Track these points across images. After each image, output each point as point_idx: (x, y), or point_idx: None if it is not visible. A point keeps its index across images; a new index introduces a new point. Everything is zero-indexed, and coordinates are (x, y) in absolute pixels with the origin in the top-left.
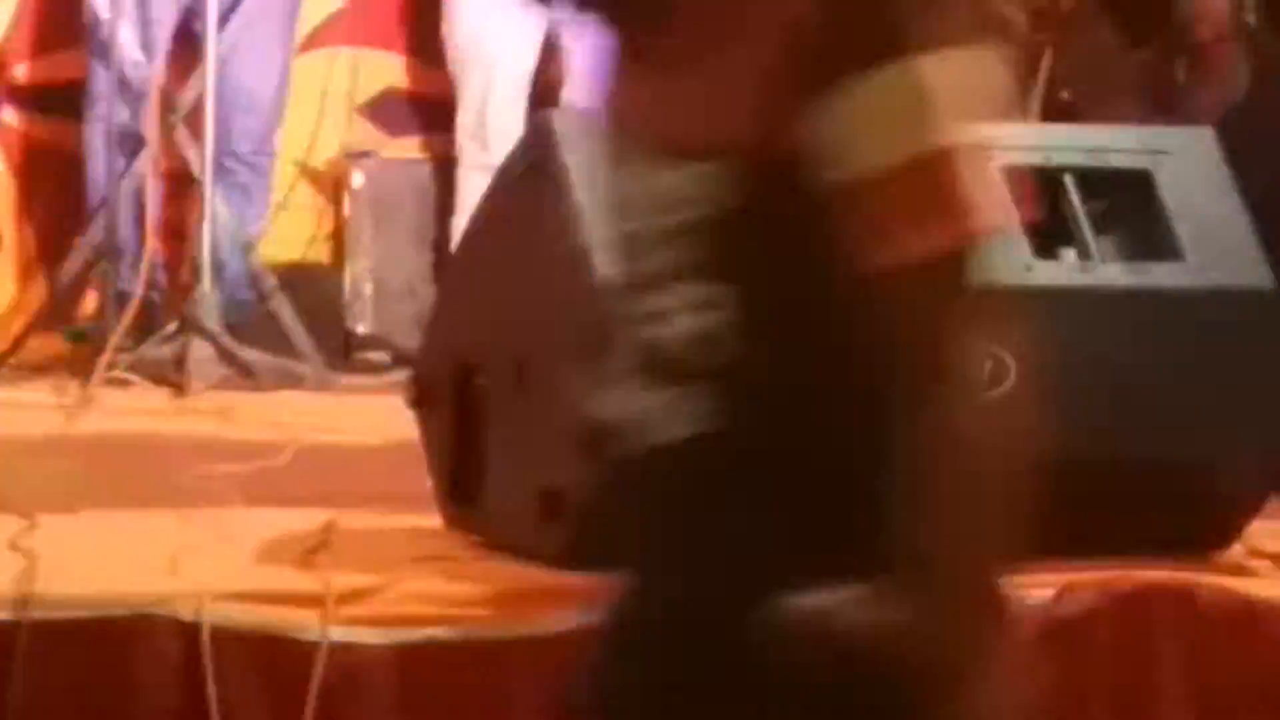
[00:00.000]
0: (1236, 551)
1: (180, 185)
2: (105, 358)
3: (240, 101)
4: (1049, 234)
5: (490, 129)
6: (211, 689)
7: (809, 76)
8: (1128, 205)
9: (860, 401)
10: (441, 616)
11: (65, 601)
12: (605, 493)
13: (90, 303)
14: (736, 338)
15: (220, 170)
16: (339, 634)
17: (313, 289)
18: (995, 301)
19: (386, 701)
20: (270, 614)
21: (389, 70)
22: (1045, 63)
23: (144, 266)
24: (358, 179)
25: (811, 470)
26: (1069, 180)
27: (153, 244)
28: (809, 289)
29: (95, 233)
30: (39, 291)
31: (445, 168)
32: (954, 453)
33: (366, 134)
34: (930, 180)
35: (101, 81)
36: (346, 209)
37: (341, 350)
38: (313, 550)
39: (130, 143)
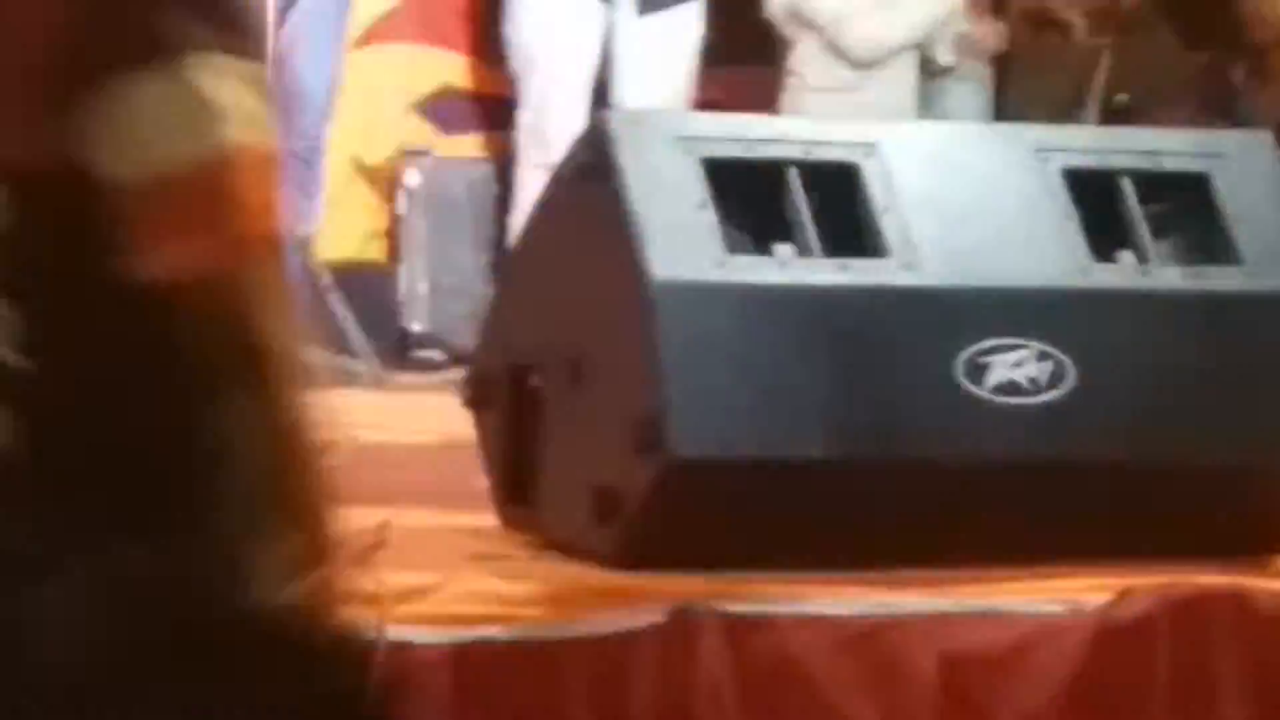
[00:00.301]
0: None
1: None
2: None
3: (295, 98)
4: (1106, 237)
5: (550, 128)
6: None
7: (76, 82)
8: (1185, 208)
9: (163, 402)
10: (496, 616)
11: None
12: (658, 493)
13: None
14: (26, 354)
15: None
16: (394, 633)
17: (368, 287)
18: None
19: (442, 701)
20: None
21: (445, 68)
22: (1103, 65)
23: None
24: (413, 177)
25: (114, 480)
26: (1126, 183)
27: None
28: (95, 300)
29: None
30: None
31: (504, 166)
32: (269, 442)
33: (422, 132)
34: (208, 185)
35: None
36: (401, 207)
37: (396, 348)
38: (368, 549)
39: None
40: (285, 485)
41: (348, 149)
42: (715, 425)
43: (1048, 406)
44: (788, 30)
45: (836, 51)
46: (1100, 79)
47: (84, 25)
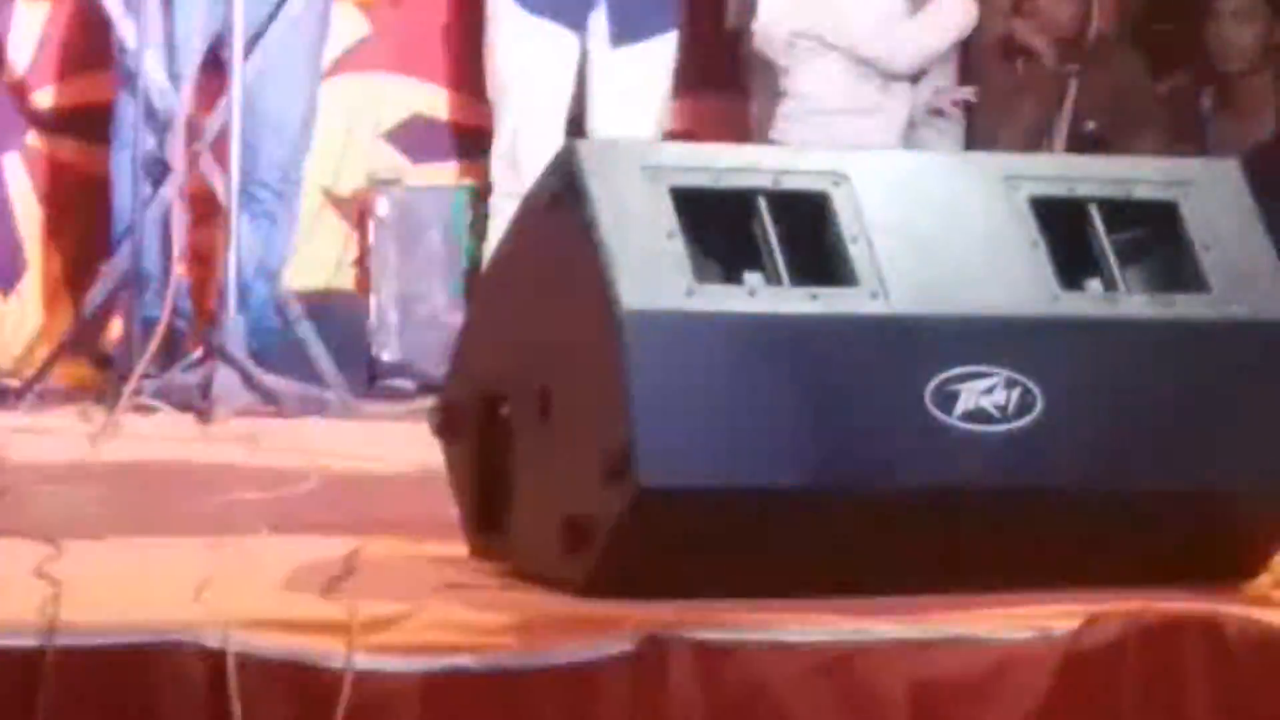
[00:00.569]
0: (1263, 582)
1: (206, 212)
2: (131, 384)
3: (267, 129)
4: (1074, 265)
5: (523, 157)
6: (237, 717)
7: None
8: (1153, 237)
9: None
10: (466, 645)
11: (90, 628)
12: (628, 522)
13: (115, 329)
14: None
15: (246, 198)
16: (364, 662)
17: (338, 316)
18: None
19: None
20: (295, 642)
21: (415, 97)
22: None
23: (169, 293)
24: (383, 206)
25: None
26: (1094, 211)
27: (178, 271)
28: None
29: (121, 259)
30: (65, 318)
31: (476, 195)
32: None
33: (392, 161)
34: None
35: (128, 108)
36: (371, 236)
37: (366, 377)
38: (338, 578)
39: (156, 169)
40: None
41: (318, 178)
42: (684, 454)
43: (1016, 434)
44: (786, 59)
45: (864, 69)
46: (1068, 106)
47: None
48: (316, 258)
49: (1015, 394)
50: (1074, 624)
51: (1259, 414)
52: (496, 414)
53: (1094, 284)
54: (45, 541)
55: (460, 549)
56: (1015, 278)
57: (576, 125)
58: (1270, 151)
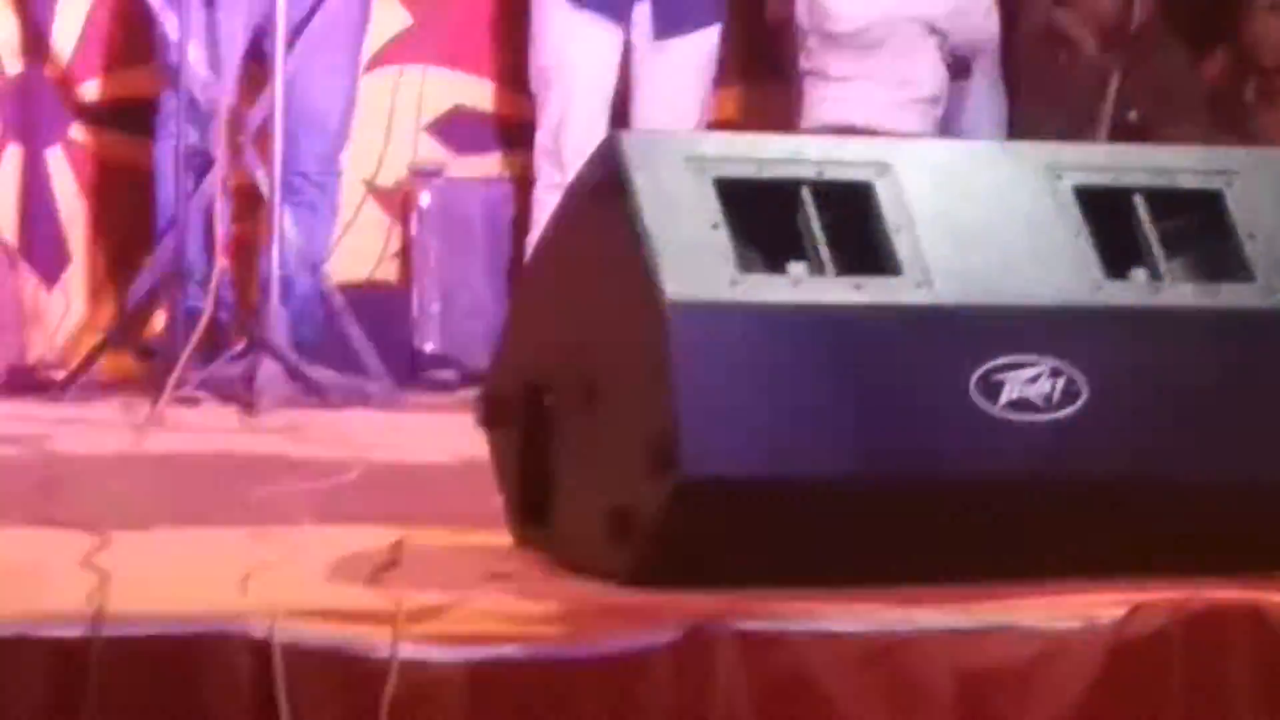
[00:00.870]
0: None
1: (249, 204)
2: (175, 376)
3: (308, 121)
4: (1119, 254)
5: (566, 149)
6: (283, 706)
7: None
8: (1197, 226)
9: None
10: (511, 634)
11: (137, 619)
12: (673, 512)
13: (159, 321)
14: None
15: (288, 189)
16: (409, 651)
17: (381, 308)
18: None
19: (456, 718)
20: (341, 631)
21: (457, 89)
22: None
23: (213, 285)
24: (425, 198)
25: None
26: (1138, 201)
27: (221, 263)
28: None
29: (164, 251)
30: (109, 310)
31: (519, 187)
32: None
33: (434, 153)
34: None
35: (171, 101)
36: (414, 228)
37: (409, 369)
38: (383, 568)
39: (199, 162)
40: None
41: (360, 170)
42: (728, 444)
43: (1061, 423)
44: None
45: (827, 35)
46: (1111, 96)
47: None
48: (359, 249)
49: (1060, 384)
50: (1119, 613)
51: None
52: (541, 404)
53: (1138, 273)
54: (92, 532)
55: (505, 539)
56: (1059, 267)
57: (620, 117)
58: None
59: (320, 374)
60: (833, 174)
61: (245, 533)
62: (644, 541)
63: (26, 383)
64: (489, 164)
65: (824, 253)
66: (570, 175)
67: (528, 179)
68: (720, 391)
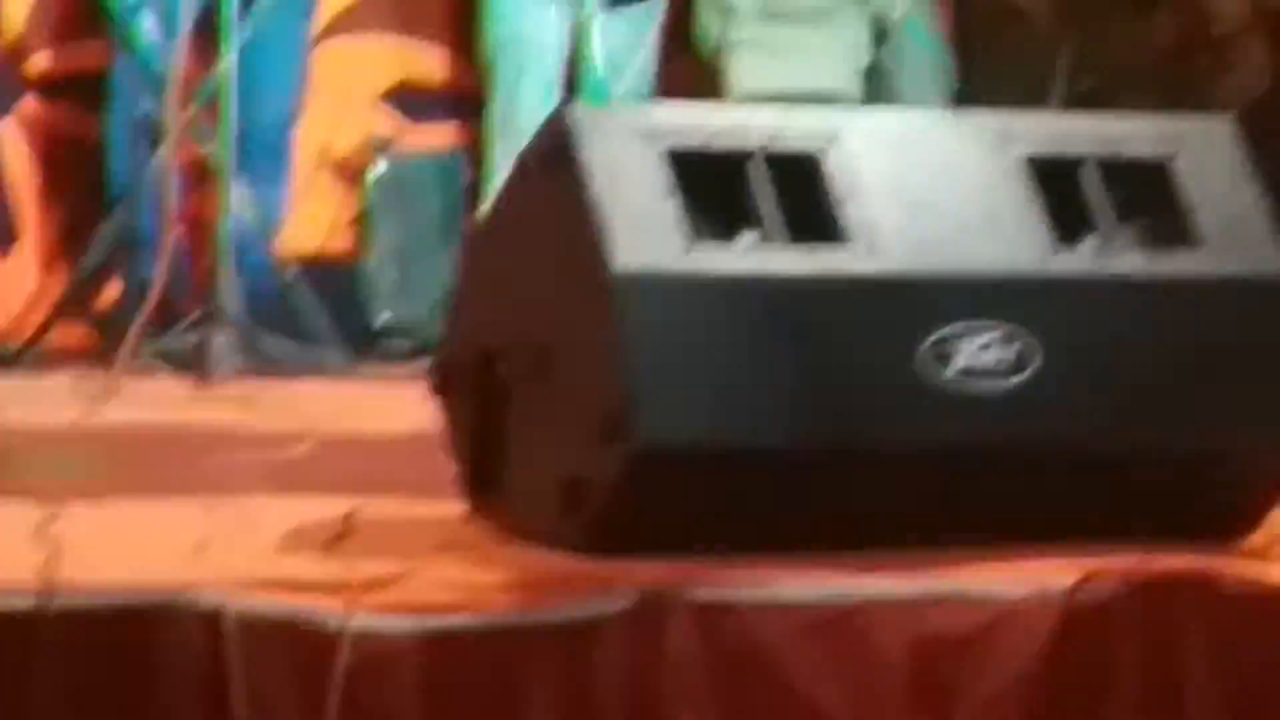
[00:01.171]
0: (1258, 539)
1: (201, 174)
2: (127, 347)
3: (260, 90)
4: (1069, 222)
5: (519, 119)
6: (236, 677)
7: None
8: (1147, 194)
9: None
10: (464, 604)
11: (89, 590)
12: (625, 481)
13: (112, 292)
14: None
15: (241, 160)
16: (362, 622)
17: (334, 278)
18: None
19: (410, 688)
20: (294, 602)
21: (412, 59)
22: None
23: (165, 256)
24: (378, 168)
25: None
26: (1089, 169)
27: (174, 233)
28: None
29: (117, 222)
30: (61, 281)
31: (473, 157)
32: None
33: (387, 123)
34: None
35: (123, 70)
36: (368, 198)
37: (363, 339)
38: (336, 538)
39: (151, 132)
40: None
41: (314, 140)
42: (681, 413)
43: (1011, 391)
44: None
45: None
46: (1062, 67)
47: None
48: (313, 220)
49: (1010, 351)
50: (1070, 580)
51: (1252, 371)
52: (493, 374)
53: (1088, 241)
54: (43, 503)
55: (458, 508)
56: (1009, 235)
57: (570, 88)
58: (1263, 110)
59: (273, 345)
60: (782, 144)
61: (198, 504)
62: (596, 511)
63: None
64: (443, 133)
65: (774, 222)
66: (522, 145)
67: (481, 150)
68: (671, 361)
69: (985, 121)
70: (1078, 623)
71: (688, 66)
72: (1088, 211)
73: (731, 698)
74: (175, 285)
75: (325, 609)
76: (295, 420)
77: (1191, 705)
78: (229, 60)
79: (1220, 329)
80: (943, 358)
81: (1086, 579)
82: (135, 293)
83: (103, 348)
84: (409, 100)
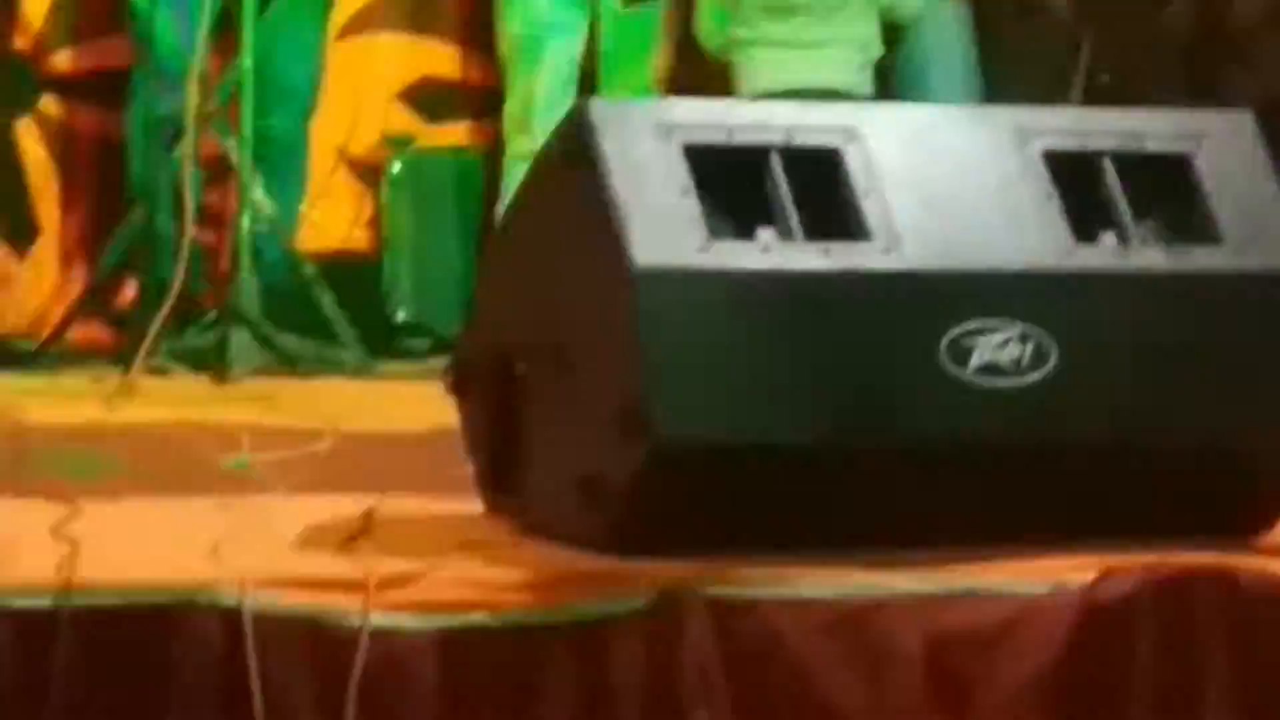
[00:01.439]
0: (1277, 535)
1: (219, 173)
2: (145, 345)
3: (278, 89)
4: (1088, 217)
5: (537, 118)
6: (254, 675)
7: None
8: (1167, 189)
9: None
10: (482, 602)
11: (107, 588)
12: (643, 479)
13: (130, 290)
14: None
15: (258, 158)
16: (380, 620)
17: (352, 276)
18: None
19: (427, 686)
20: (312, 600)
21: (429, 57)
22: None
23: (183, 254)
24: (396, 166)
25: None
26: (1108, 164)
27: (192, 232)
28: None
29: (135, 221)
30: (80, 279)
31: (490, 155)
32: None
33: (405, 121)
34: None
35: (141, 71)
36: (385, 196)
37: (381, 337)
38: (354, 536)
39: (169, 130)
40: None
41: (331, 139)
42: (699, 411)
43: (1031, 387)
44: None
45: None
46: (1083, 60)
47: None
48: (331, 218)
49: (1029, 348)
50: (1089, 577)
51: (1273, 367)
52: (511, 372)
53: (1107, 237)
54: (62, 502)
55: (475, 507)
56: (1029, 231)
57: (588, 84)
58: None
59: (291, 343)
60: (801, 139)
61: (216, 502)
62: (615, 508)
63: None
64: (460, 132)
65: (793, 218)
66: (540, 143)
67: (498, 147)
68: (690, 358)
69: (1004, 116)
70: (1096, 619)
71: (695, 64)
72: (1107, 207)
73: (750, 695)
74: (193, 284)
75: (343, 607)
76: (313, 418)
77: (1209, 701)
78: (247, 59)
79: (1240, 325)
80: (962, 354)
81: (1105, 575)
82: (154, 291)
83: (121, 346)
84: (427, 98)
